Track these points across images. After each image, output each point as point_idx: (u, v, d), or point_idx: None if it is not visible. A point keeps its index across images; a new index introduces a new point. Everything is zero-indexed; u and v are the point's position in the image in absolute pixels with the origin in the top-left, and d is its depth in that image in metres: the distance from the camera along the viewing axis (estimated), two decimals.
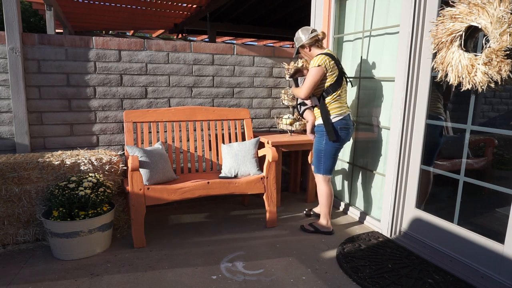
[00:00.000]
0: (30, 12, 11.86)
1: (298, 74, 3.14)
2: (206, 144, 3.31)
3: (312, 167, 3.01)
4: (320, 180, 2.90)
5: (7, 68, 2.81)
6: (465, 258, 2.35)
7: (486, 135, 2.60)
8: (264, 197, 3.00)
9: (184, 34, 9.77)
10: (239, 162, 3.04)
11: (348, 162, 3.44)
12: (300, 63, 3.49)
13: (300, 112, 3.14)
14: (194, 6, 6.26)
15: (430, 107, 2.60)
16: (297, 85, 3.06)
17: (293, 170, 3.94)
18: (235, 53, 3.55)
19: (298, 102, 3.16)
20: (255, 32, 8.39)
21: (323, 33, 2.85)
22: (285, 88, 3.76)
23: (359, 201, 3.34)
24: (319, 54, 2.75)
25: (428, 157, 2.69)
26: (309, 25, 3.86)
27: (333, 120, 2.76)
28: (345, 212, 3.43)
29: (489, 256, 2.20)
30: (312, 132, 3.04)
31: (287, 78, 3.33)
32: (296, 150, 3.75)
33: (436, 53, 2.29)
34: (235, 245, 2.72)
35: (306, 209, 3.36)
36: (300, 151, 3.84)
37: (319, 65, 2.69)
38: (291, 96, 3.54)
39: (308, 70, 2.89)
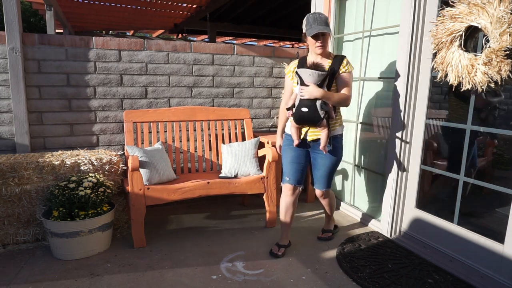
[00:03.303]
0: (30, 12, 11.86)
1: (320, 68, 2.34)
2: (206, 144, 3.31)
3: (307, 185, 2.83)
4: (329, 193, 2.70)
5: (7, 68, 2.81)
6: (465, 258, 2.35)
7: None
8: (264, 197, 3.00)
9: (184, 34, 9.77)
10: (239, 162, 3.04)
11: (348, 162, 3.44)
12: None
13: (322, 117, 2.31)
14: (194, 6, 6.26)
15: (451, 114, 2.59)
16: (322, 84, 2.31)
17: None
18: (235, 53, 3.55)
19: (323, 106, 2.31)
20: (255, 32, 8.39)
21: None
22: None
23: (359, 201, 3.34)
24: (344, 56, 2.43)
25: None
26: None
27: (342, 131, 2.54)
28: (345, 212, 3.43)
29: (489, 256, 2.20)
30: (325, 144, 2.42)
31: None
32: None
33: (436, 53, 2.29)
34: (235, 245, 2.72)
35: (321, 235, 2.88)
36: None
37: (353, 69, 2.46)
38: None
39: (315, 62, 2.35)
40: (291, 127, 2.48)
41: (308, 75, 2.28)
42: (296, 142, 2.44)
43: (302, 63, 2.42)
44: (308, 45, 2.40)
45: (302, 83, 2.31)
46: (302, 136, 2.45)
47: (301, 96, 2.30)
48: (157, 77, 3.29)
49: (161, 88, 3.33)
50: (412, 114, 2.66)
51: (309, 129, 2.43)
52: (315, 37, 2.30)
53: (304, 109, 2.31)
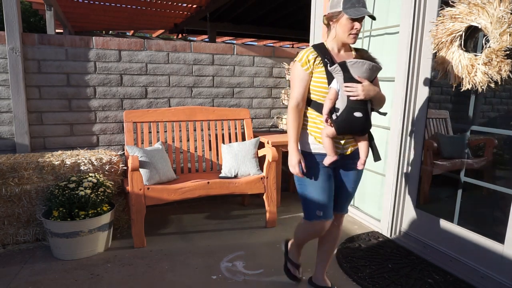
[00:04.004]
0: (30, 12, 11.86)
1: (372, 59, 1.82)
2: (206, 144, 3.31)
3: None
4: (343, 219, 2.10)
5: (7, 68, 2.81)
6: (465, 258, 2.35)
7: (486, 135, 2.60)
8: (264, 197, 3.00)
9: (184, 34, 9.77)
10: (239, 162, 3.05)
11: None
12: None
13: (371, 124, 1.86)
14: (194, 6, 6.26)
15: None
16: (370, 78, 1.78)
17: None
18: (235, 53, 3.55)
19: (372, 110, 1.87)
20: (255, 32, 8.38)
21: None
22: (285, 88, 3.76)
23: (359, 201, 3.33)
24: (367, 50, 1.98)
25: None
26: (309, 25, 3.86)
27: None
28: None
29: (489, 256, 2.20)
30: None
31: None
32: None
33: (436, 53, 2.29)
34: (235, 245, 2.72)
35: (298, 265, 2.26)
36: None
37: None
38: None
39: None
40: (323, 139, 1.82)
41: (367, 69, 1.72)
42: (333, 158, 1.82)
43: (324, 52, 1.82)
44: (334, 29, 1.79)
45: (350, 79, 1.72)
46: (340, 151, 1.86)
47: (354, 96, 1.72)
48: (157, 77, 3.29)
49: (161, 88, 3.33)
50: (412, 114, 2.66)
51: (346, 140, 1.87)
52: (356, 20, 1.74)
53: (358, 114, 1.75)
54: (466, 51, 2.13)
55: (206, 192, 2.80)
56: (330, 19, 1.81)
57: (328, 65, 1.78)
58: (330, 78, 1.79)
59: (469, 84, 2.08)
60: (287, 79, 3.55)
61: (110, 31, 10.43)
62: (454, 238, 2.42)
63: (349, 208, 3.39)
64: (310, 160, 1.88)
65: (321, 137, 1.83)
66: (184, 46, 3.34)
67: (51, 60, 2.95)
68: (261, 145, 3.44)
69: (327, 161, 1.83)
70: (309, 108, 1.89)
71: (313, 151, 1.88)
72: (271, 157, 2.90)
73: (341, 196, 1.98)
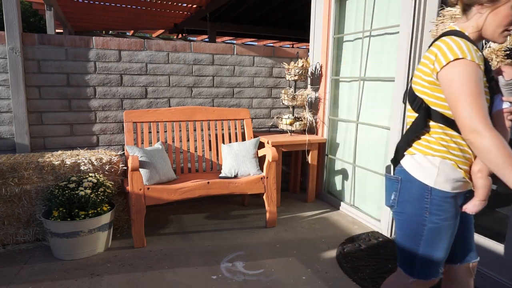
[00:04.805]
0: (30, 12, 11.87)
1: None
2: (206, 144, 3.32)
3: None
4: None
5: (7, 68, 2.81)
6: None
7: None
8: (264, 197, 3.00)
9: (184, 34, 9.77)
10: (239, 162, 3.05)
11: (348, 162, 3.44)
12: (300, 63, 3.48)
13: None
14: (194, 6, 6.26)
15: None
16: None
17: (293, 170, 3.94)
18: (235, 53, 3.55)
19: None
20: (255, 32, 8.38)
21: None
22: (285, 88, 3.76)
23: (359, 201, 3.33)
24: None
25: None
26: (309, 25, 3.86)
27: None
28: (345, 212, 3.43)
29: (489, 256, 2.20)
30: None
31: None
32: (296, 150, 3.75)
33: None
34: (235, 245, 2.72)
35: None
36: (300, 151, 3.84)
37: None
38: (291, 96, 3.53)
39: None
40: (484, 178, 1.30)
41: None
42: (485, 204, 1.38)
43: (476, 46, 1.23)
44: (483, 18, 1.24)
45: None
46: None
47: None
48: (157, 77, 3.29)
49: (161, 88, 3.33)
50: None
51: None
52: None
53: None
54: None
55: (206, 192, 2.80)
56: (478, 1, 1.22)
57: (504, 78, 1.29)
58: (492, 92, 1.30)
59: None
60: (287, 79, 3.56)
61: (110, 31, 10.44)
62: None
63: (349, 208, 3.39)
64: (452, 205, 1.33)
65: (467, 170, 1.32)
66: (184, 46, 3.34)
67: (51, 60, 2.95)
68: (261, 145, 3.44)
69: (475, 209, 1.37)
70: (441, 124, 1.30)
71: (459, 190, 1.33)
72: (271, 157, 2.90)
73: (465, 240, 1.52)
